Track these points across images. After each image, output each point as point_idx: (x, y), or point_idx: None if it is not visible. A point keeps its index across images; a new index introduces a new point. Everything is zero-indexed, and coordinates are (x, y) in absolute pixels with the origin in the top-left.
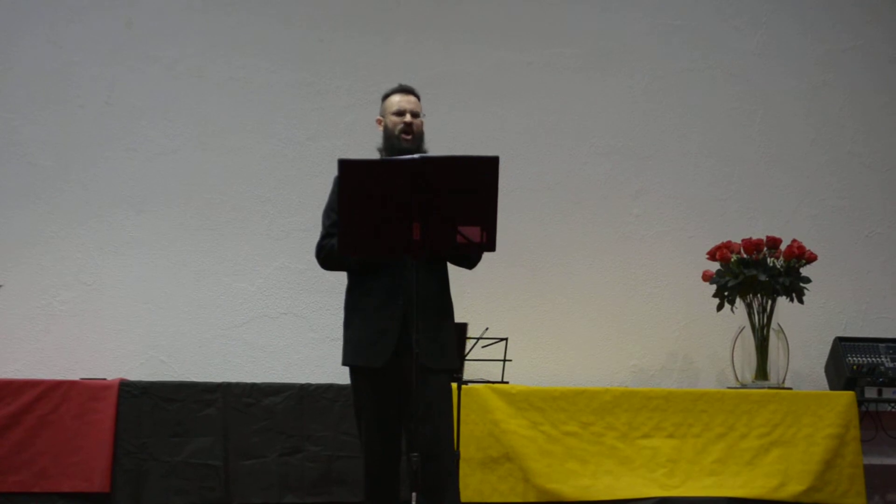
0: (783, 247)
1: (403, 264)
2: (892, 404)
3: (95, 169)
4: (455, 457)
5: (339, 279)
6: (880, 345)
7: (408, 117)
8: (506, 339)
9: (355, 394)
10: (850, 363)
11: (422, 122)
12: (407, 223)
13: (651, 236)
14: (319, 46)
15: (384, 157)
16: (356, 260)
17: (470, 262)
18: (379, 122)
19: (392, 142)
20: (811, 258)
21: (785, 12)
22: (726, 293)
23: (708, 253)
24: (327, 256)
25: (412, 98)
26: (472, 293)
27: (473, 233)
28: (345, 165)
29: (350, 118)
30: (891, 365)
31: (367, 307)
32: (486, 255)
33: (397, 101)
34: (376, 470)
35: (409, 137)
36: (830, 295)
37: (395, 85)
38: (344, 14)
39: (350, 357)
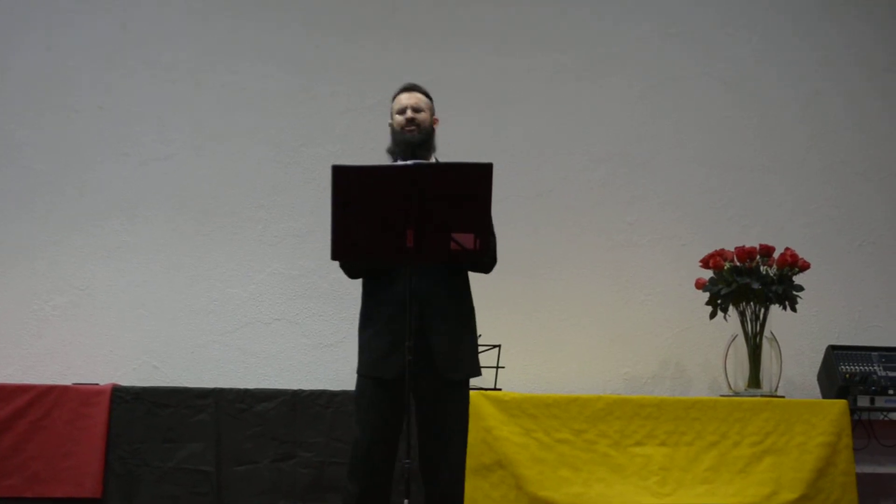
0: (776, 255)
1: (417, 271)
2: (885, 413)
3: (89, 174)
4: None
5: (333, 286)
6: (873, 353)
7: (409, 112)
8: (499, 346)
9: (359, 398)
10: (843, 371)
11: (429, 119)
12: (400, 230)
13: (645, 244)
14: (314, 52)
15: (378, 164)
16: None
17: (480, 266)
18: (390, 125)
19: (397, 137)
20: (804, 266)
21: (781, 20)
22: (719, 301)
23: (701, 261)
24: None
25: (415, 94)
26: None
27: (467, 239)
28: (338, 172)
29: (345, 124)
30: (883, 373)
31: (381, 316)
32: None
33: (399, 98)
34: (362, 475)
35: (412, 129)
36: (823, 303)
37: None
38: (340, 19)
39: (364, 367)
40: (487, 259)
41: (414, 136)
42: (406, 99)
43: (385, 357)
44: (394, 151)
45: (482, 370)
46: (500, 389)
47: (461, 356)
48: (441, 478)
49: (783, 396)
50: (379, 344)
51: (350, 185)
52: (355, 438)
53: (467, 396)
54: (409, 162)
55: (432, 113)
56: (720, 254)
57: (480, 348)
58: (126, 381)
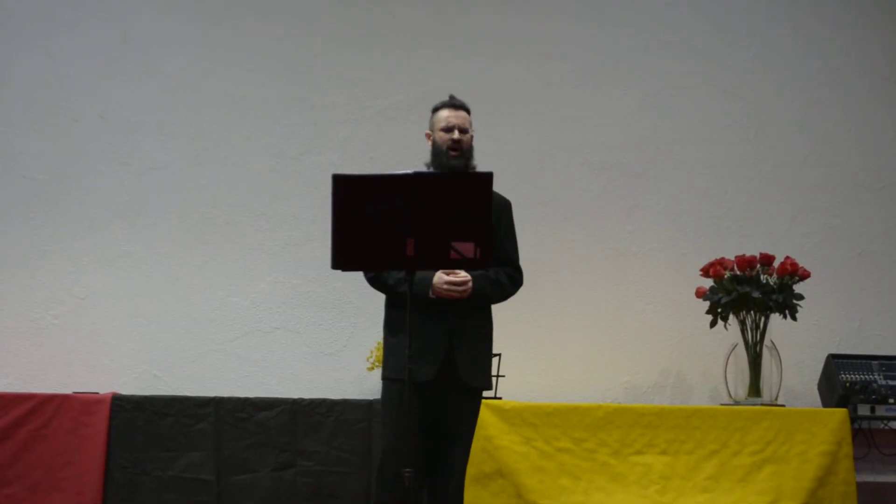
0: (776, 264)
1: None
2: (885, 422)
3: (89, 182)
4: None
5: (334, 295)
6: (873, 362)
7: (455, 134)
8: (499, 355)
9: (389, 403)
10: (843, 380)
11: (471, 138)
12: (401, 238)
13: (644, 252)
14: (314, 61)
15: (379, 173)
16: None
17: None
18: (428, 136)
19: (440, 158)
20: (804, 275)
21: (780, 29)
22: (719, 310)
23: (701, 269)
24: (373, 279)
25: (461, 113)
26: None
27: (467, 248)
28: (339, 180)
29: (345, 133)
30: (883, 382)
31: (410, 323)
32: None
33: (446, 116)
34: (394, 483)
35: (456, 154)
36: (823, 312)
37: (444, 98)
38: (339, 28)
39: (395, 370)
40: (510, 285)
41: (459, 161)
42: (454, 118)
43: (416, 361)
44: (435, 168)
45: None
46: (500, 398)
47: (482, 365)
48: (446, 481)
49: (783, 405)
50: (412, 348)
51: (351, 193)
52: (387, 444)
53: (479, 405)
54: (409, 171)
55: (471, 126)
56: (720, 262)
57: None
58: (126, 389)
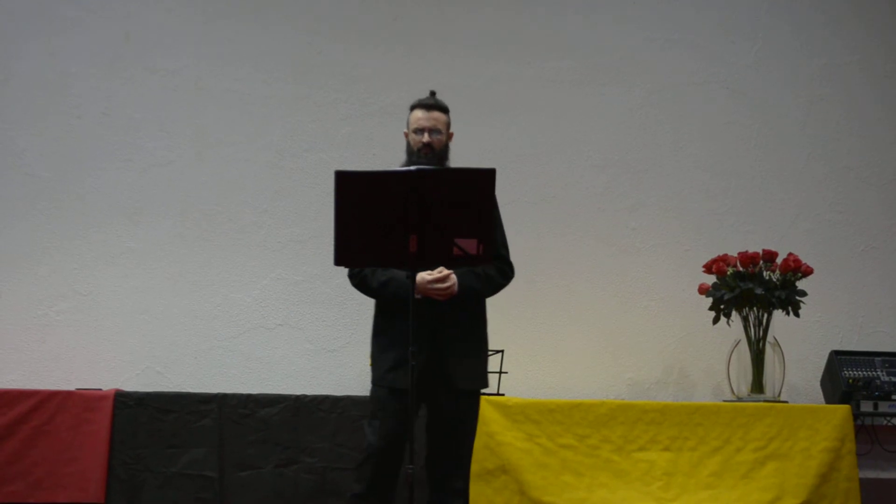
0: (779, 260)
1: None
2: (888, 418)
3: (92, 180)
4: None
5: (336, 291)
6: (876, 358)
7: (426, 137)
8: (501, 352)
9: (373, 405)
10: (846, 377)
11: (444, 138)
12: (403, 235)
13: (647, 249)
14: (317, 59)
15: (381, 169)
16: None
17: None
18: (406, 135)
19: (412, 158)
20: (807, 272)
21: (782, 26)
22: (722, 306)
23: (704, 266)
24: (358, 285)
25: (434, 114)
26: None
27: (470, 245)
28: (341, 177)
29: (347, 130)
30: (886, 379)
31: (393, 328)
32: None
33: (418, 118)
34: (369, 477)
35: (427, 152)
36: (826, 309)
37: (422, 95)
38: (342, 26)
39: (376, 378)
40: (500, 278)
41: (431, 160)
42: (424, 120)
43: (395, 368)
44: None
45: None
46: (503, 395)
47: (474, 367)
48: (452, 484)
49: (786, 402)
50: (390, 355)
51: (353, 190)
52: (368, 443)
53: (478, 405)
54: (411, 167)
55: (448, 127)
56: (723, 259)
57: None
58: (129, 386)
